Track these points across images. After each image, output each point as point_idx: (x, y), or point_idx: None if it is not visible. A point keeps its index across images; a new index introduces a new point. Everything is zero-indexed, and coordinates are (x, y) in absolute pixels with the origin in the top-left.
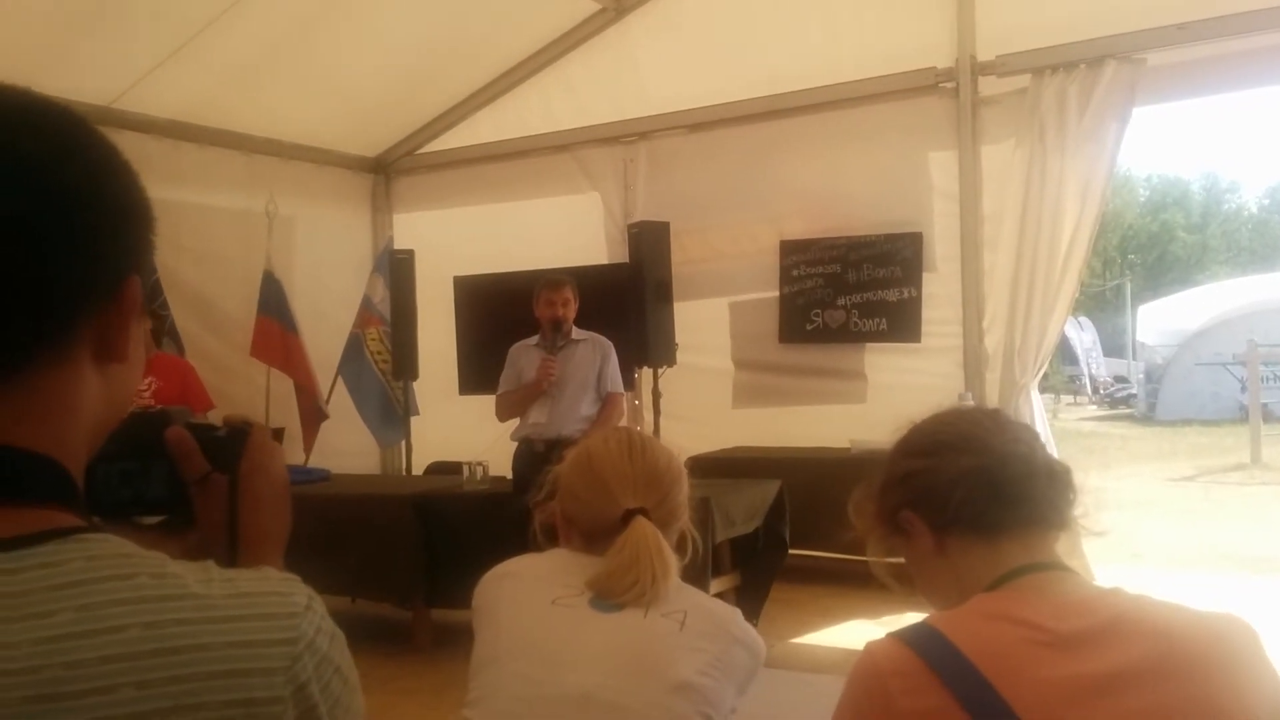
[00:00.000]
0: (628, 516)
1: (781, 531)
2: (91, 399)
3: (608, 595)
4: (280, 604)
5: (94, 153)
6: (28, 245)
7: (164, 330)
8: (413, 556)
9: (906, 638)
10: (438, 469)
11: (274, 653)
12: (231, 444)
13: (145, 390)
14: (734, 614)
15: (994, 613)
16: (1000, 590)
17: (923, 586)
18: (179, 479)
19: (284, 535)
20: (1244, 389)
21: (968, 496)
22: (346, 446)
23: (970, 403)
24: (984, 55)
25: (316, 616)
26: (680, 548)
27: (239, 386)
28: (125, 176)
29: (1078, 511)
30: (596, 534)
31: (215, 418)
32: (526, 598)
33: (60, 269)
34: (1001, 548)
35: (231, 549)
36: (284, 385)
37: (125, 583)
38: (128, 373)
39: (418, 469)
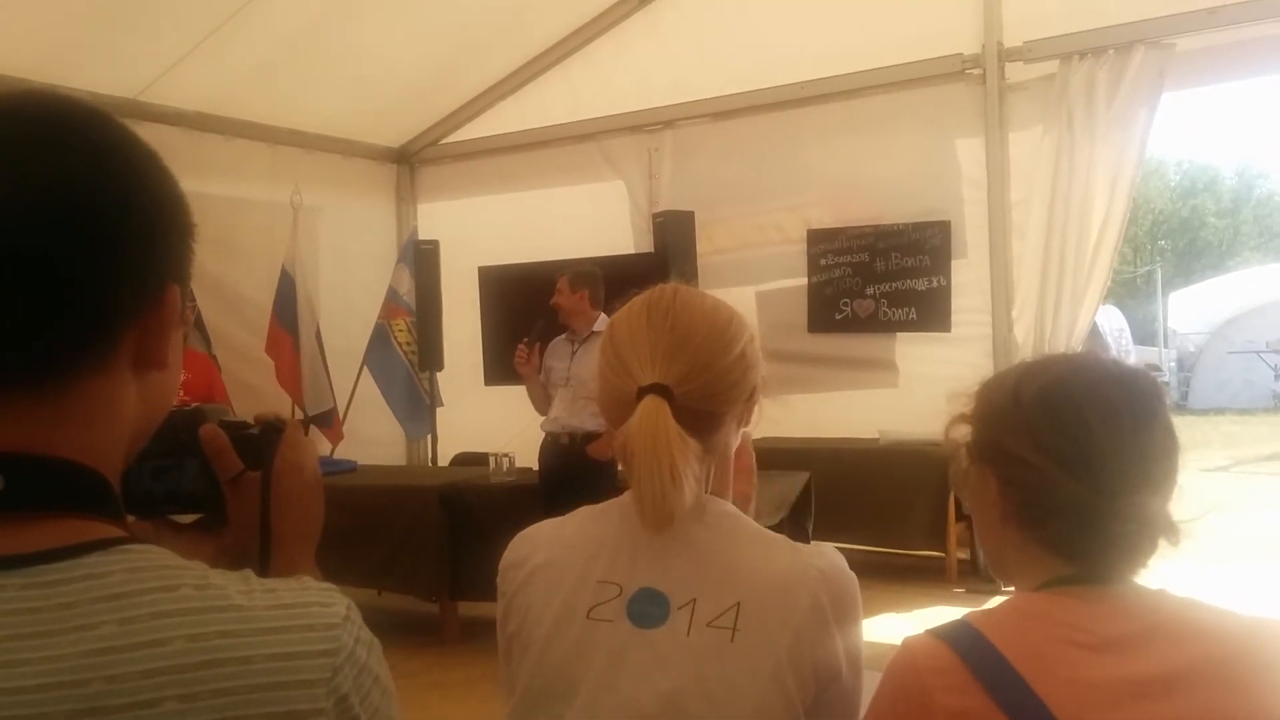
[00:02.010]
0: (641, 396)
1: (805, 524)
2: (130, 407)
3: (647, 524)
4: (321, 615)
5: (134, 160)
6: (70, 255)
7: (191, 324)
8: (439, 548)
9: (945, 636)
10: (464, 460)
11: (316, 664)
12: (264, 442)
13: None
14: (811, 571)
15: (1035, 613)
16: (1045, 592)
17: (978, 526)
18: (213, 476)
19: (316, 533)
20: (1277, 377)
21: (1062, 531)
22: (373, 436)
23: (1101, 375)
24: (1011, 41)
25: (355, 626)
26: (739, 460)
27: (264, 378)
28: (165, 183)
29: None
30: (620, 422)
31: (245, 414)
32: (561, 611)
33: (101, 278)
34: (1064, 559)
35: (264, 547)
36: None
37: (168, 594)
38: (166, 380)
39: (443, 460)
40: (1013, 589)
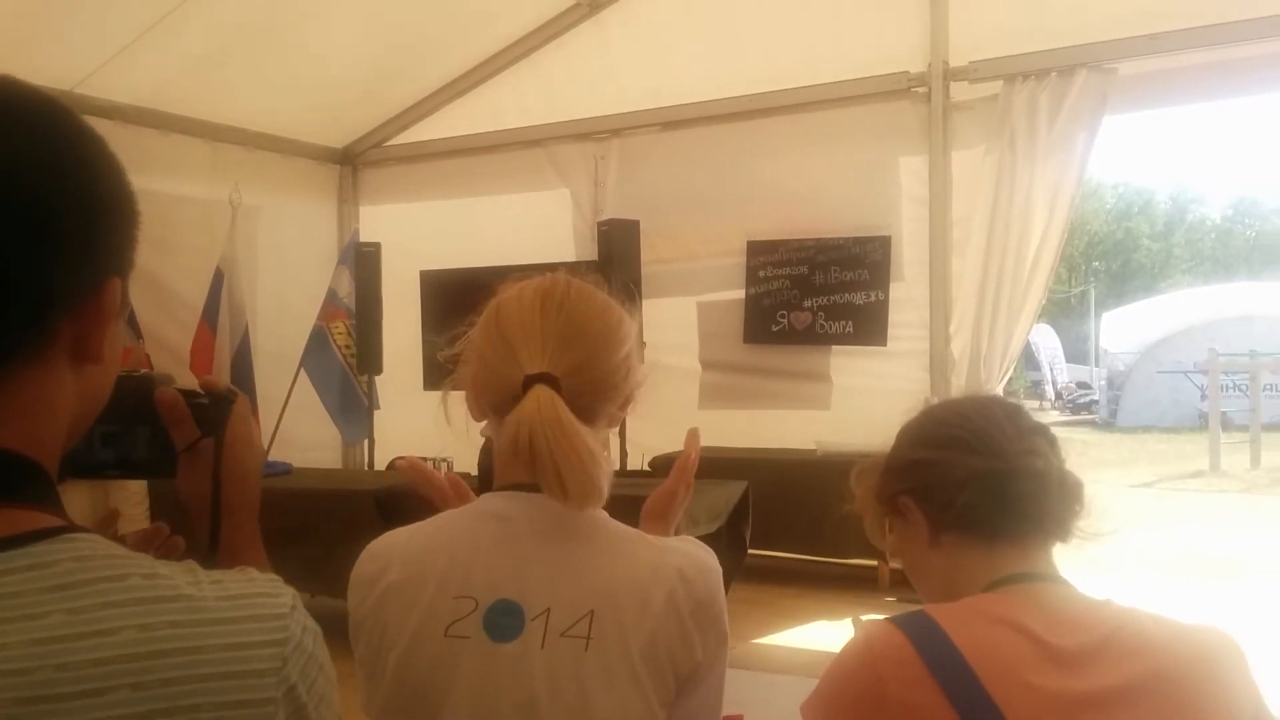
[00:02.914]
0: (528, 385)
1: (743, 532)
2: (67, 399)
3: (572, 503)
4: (269, 605)
5: (80, 148)
6: (11, 244)
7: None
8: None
9: (905, 626)
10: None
11: (266, 654)
12: (217, 411)
13: None
14: (667, 570)
15: (994, 615)
16: (999, 593)
17: (911, 572)
18: (164, 443)
19: (257, 504)
20: (1204, 397)
21: (973, 501)
22: (309, 440)
23: (967, 394)
24: (956, 61)
25: (301, 615)
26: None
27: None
28: (111, 173)
29: (1081, 523)
30: (501, 408)
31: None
32: (418, 630)
33: (43, 270)
34: (998, 552)
35: (215, 515)
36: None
37: (116, 584)
38: (102, 373)
39: (380, 465)
40: None
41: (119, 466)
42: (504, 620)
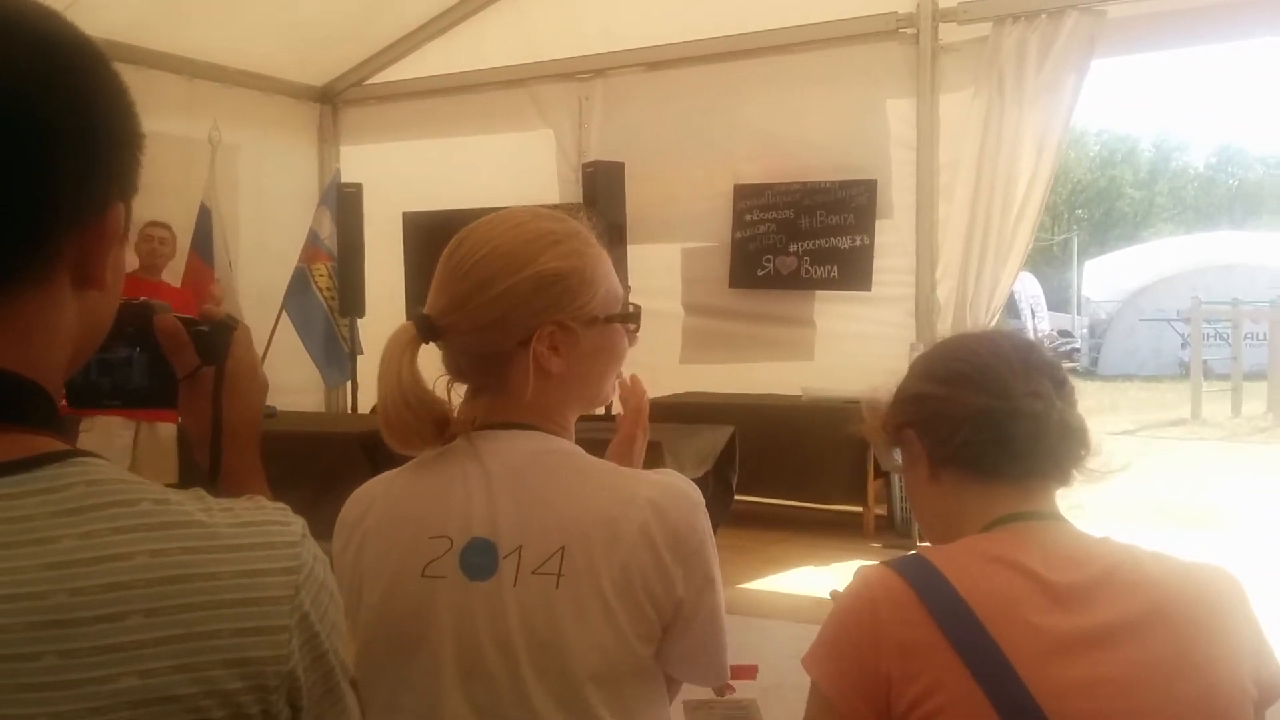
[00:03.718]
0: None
1: (729, 477)
2: (69, 324)
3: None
4: (281, 533)
5: (83, 62)
6: (9, 162)
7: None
8: None
9: (901, 569)
10: None
11: (280, 581)
12: (218, 338)
13: None
14: (639, 501)
15: (991, 554)
16: (996, 532)
17: (913, 502)
18: (164, 371)
19: (259, 432)
20: (1185, 345)
21: (971, 438)
22: (291, 383)
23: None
24: (945, 2)
25: (311, 543)
26: (628, 401)
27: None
28: (116, 94)
29: (1089, 465)
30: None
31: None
32: (396, 572)
33: (43, 188)
34: (997, 490)
35: (215, 443)
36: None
37: (128, 509)
38: (105, 300)
39: (363, 408)
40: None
41: (117, 395)
42: (478, 559)
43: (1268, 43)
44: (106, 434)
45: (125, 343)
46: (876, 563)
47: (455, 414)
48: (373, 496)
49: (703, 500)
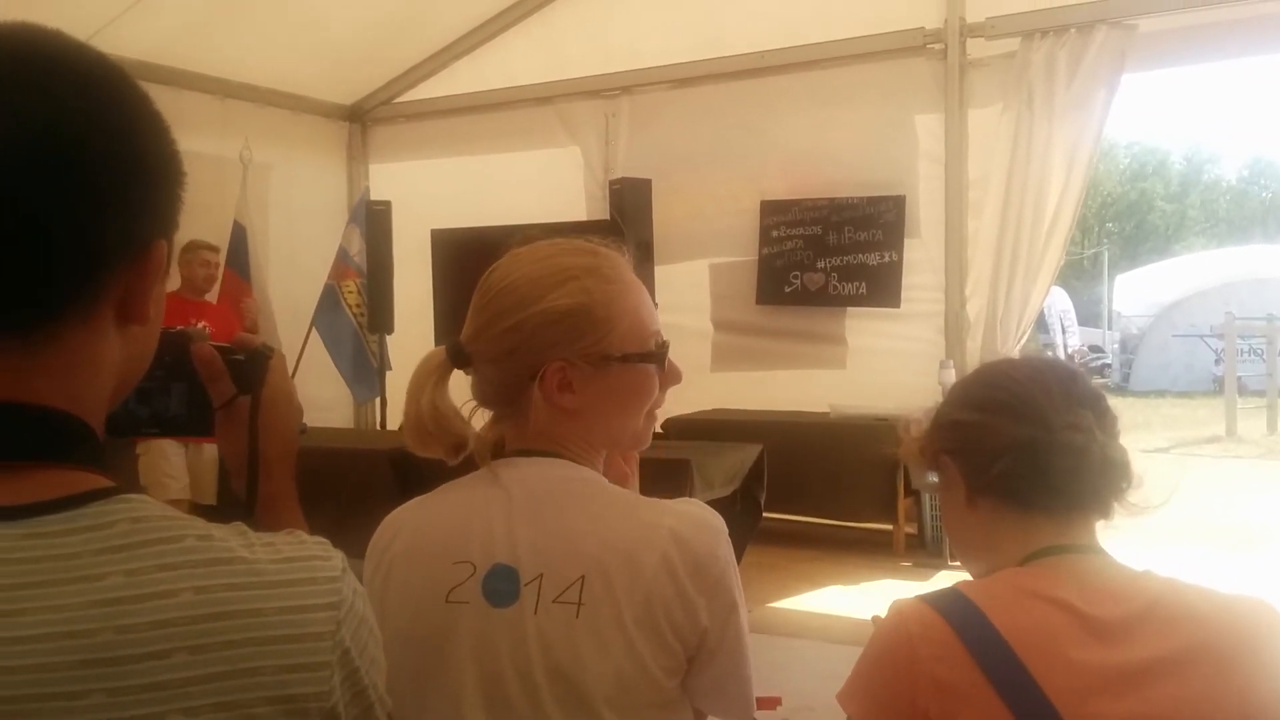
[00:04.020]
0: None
1: (758, 495)
2: (113, 359)
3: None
4: (322, 568)
5: (128, 104)
6: (56, 204)
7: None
8: (389, 513)
9: (938, 605)
10: None
11: (322, 617)
12: (254, 367)
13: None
14: (661, 531)
15: (1029, 589)
16: (1033, 567)
17: (949, 529)
18: (201, 400)
19: (294, 461)
20: (1218, 361)
21: (1010, 469)
22: (320, 399)
23: (1047, 353)
24: (973, 17)
25: (351, 578)
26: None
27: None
28: (160, 133)
29: (1131, 499)
30: None
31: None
32: (421, 597)
33: (92, 228)
34: (1035, 521)
35: (252, 472)
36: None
37: (173, 546)
38: (147, 334)
39: (392, 425)
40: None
41: (155, 424)
42: (501, 585)
43: None
44: (161, 453)
45: (163, 371)
46: (912, 597)
47: (476, 438)
48: (400, 523)
49: (725, 528)
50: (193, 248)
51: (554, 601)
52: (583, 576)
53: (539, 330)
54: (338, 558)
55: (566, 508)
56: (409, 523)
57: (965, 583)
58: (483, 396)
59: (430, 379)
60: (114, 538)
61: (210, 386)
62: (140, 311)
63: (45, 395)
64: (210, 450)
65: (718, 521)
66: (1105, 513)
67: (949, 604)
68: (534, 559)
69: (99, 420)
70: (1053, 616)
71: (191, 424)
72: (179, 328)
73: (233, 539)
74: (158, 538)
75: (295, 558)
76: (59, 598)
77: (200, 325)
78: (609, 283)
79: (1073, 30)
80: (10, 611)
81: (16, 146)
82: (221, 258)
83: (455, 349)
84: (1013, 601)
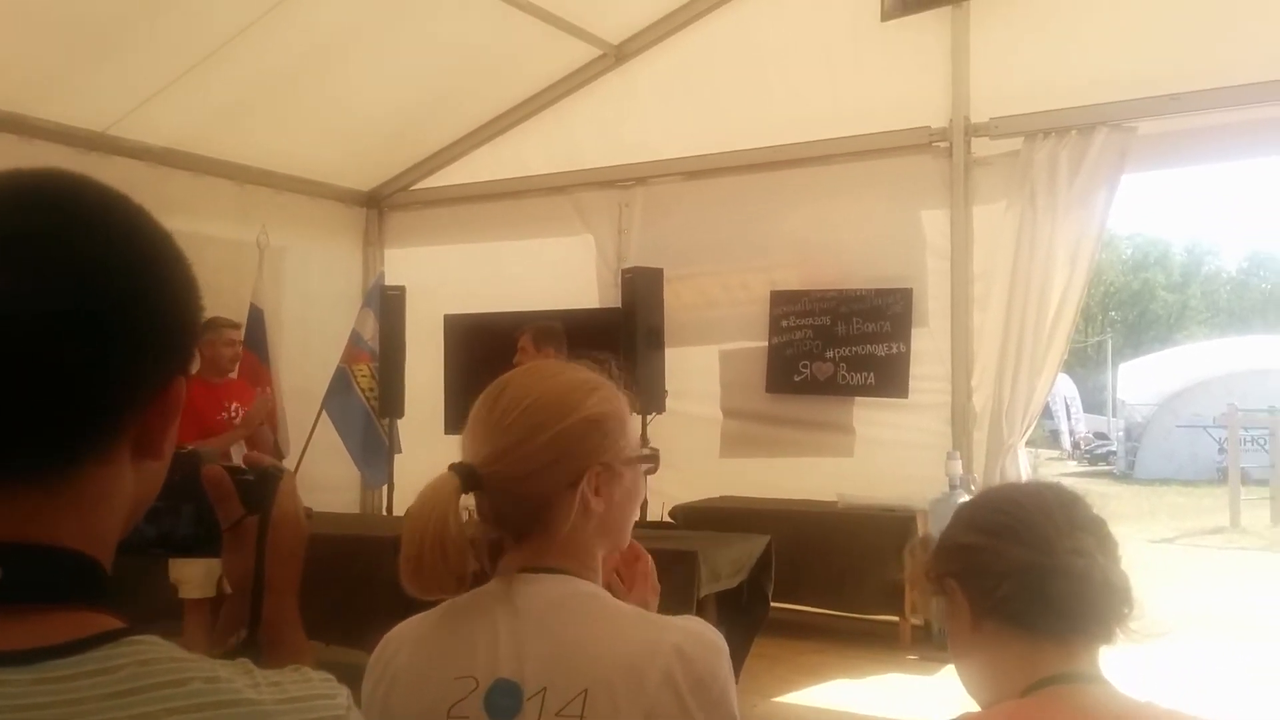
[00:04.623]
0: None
1: (765, 587)
2: (126, 495)
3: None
4: (327, 708)
5: (152, 250)
6: (79, 349)
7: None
8: (392, 601)
9: None
10: None
11: None
12: (262, 488)
13: (233, 415)
14: (664, 647)
15: None
16: (1036, 697)
17: (955, 657)
18: (209, 520)
19: (298, 584)
20: (1222, 450)
21: (1012, 593)
22: (327, 482)
23: (1029, 479)
24: (978, 117)
25: (356, 714)
26: (634, 566)
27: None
28: (180, 274)
29: (1133, 625)
30: None
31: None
32: (422, 714)
33: (111, 373)
34: (1040, 648)
35: (257, 595)
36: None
37: (179, 689)
38: (159, 469)
39: (399, 509)
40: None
41: (163, 544)
42: (503, 700)
43: None
44: None
45: (173, 492)
46: None
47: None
48: (403, 637)
49: (726, 647)
50: (215, 325)
51: (557, 715)
52: (586, 690)
53: (584, 437)
54: (342, 694)
55: (571, 622)
56: (411, 637)
57: (970, 716)
58: (497, 517)
59: (448, 506)
60: (121, 682)
61: (218, 506)
62: (157, 448)
63: (62, 535)
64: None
65: (719, 640)
66: (1108, 638)
67: None
68: (538, 673)
69: (110, 555)
70: None
71: (199, 544)
72: (190, 447)
73: (239, 679)
74: (165, 681)
75: (300, 697)
76: None
77: (210, 447)
78: (618, 392)
79: (1074, 131)
80: None
81: (48, 298)
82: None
83: (469, 473)
84: None
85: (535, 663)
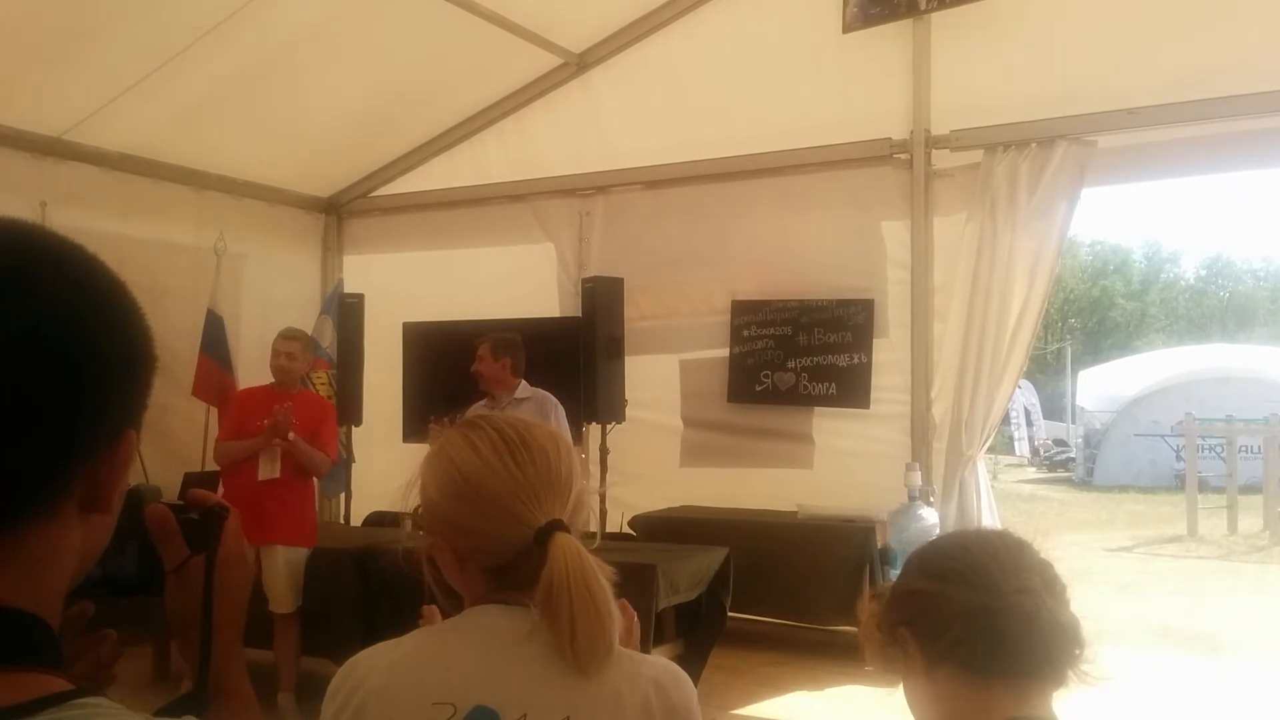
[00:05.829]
0: (543, 536)
1: (723, 599)
2: (73, 550)
3: (582, 668)
4: None
5: (103, 302)
6: (32, 402)
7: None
8: (353, 612)
9: None
10: (377, 520)
11: None
12: (207, 528)
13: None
14: (642, 680)
15: None
16: None
17: (911, 706)
18: (154, 560)
19: (243, 624)
20: (1179, 458)
21: (963, 636)
22: None
23: (975, 528)
24: (938, 129)
25: None
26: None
27: (179, 424)
28: (134, 324)
29: (1084, 667)
30: (510, 566)
31: (165, 465)
32: None
33: (62, 426)
34: (993, 693)
35: (205, 634)
36: None
37: None
38: (107, 522)
39: (356, 519)
40: None
41: (105, 585)
42: None
43: (1256, 175)
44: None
45: (117, 531)
46: None
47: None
48: (373, 662)
49: (694, 686)
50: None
51: None
52: (567, 717)
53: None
54: None
55: (550, 651)
56: (382, 661)
57: None
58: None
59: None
60: None
61: (161, 547)
62: (106, 502)
63: (6, 594)
64: (285, 554)
65: (688, 678)
66: (1060, 680)
67: None
68: (517, 700)
69: (58, 613)
70: None
71: (144, 585)
72: (133, 485)
73: None
74: None
75: None
76: None
77: (153, 485)
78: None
79: (1034, 145)
80: None
81: None
82: (184, 353)
83: (562, 527)
84: None
85: (513, 690)
